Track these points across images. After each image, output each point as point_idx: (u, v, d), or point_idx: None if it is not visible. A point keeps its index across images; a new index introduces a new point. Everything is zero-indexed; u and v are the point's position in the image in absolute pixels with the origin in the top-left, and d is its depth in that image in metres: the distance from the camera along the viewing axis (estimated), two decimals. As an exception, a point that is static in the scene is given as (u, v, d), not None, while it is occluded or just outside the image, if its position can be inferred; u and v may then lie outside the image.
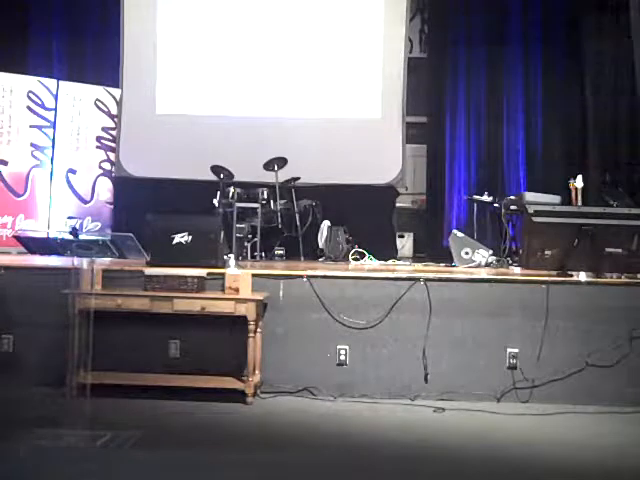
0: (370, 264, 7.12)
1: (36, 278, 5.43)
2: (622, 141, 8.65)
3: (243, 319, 5.04)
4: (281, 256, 7.57)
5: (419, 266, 7.03)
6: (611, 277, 5.45)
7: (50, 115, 8.25)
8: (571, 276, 5.49)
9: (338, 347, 5.36)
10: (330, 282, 5.43)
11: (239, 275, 5.25)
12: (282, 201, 7.66)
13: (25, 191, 8.06)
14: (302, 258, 7.48)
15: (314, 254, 7.62)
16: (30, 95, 8.11)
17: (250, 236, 7.35)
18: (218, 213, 7.32)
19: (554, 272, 5.47)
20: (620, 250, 5.42)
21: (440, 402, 5.16)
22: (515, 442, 4.37)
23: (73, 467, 3.70)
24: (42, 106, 8.19)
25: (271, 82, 8.58)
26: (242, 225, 7.32)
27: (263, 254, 7.41)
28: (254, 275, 5.33)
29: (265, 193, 7.55)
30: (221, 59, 8.64)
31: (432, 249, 8.71)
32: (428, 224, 9.28)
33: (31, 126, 8.12)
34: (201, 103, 8.64)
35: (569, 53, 8.94)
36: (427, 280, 5.37)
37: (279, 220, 7.59)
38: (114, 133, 8.66)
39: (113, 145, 8.65)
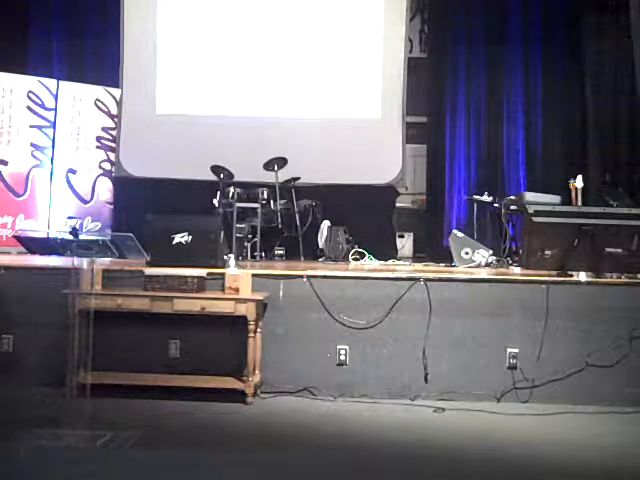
0: (370, 264, 7.11)
1: (36, 278, 5.42)
2: (622, 141, 8.64)
3: (243, 319, 5.04)
4: (281, 256, 7.57)
5: (419, 266, 7.03)
6: (611, 277, 5.45)
7: (50, 115, 8.24)
8: (571, 276, 5.48)
9: (338, 347, 5.36)
10: (330, 282, 5.43)
11: (239, 275, 5.25)
12: (282, 201, 7.65)
13: (25, 191, 8.06)
14: (302, 258, 7.48)
15: (314, 254, 7.61)
16: (30, 95, 8.11)
17: (250, 236, 7.34)
18: (218, 213, 7.31)
19: (554, 272, 5.47)
20: (620, 250, 5.43)
21: (440, 402, 5.16)
22: (515, 442, 4.36)
23: (73, 467, 3.69)
24: (42, 106, 8.19)
25: (271, 82, 8.58)
26: (242, 225, 7.31)
27: (263, 254, 7.40)
28: (254, 275, 5.33)
29: (265, 193, 7.55)
30: (221, 59, 8.64)
31: (432, 249, 8.70)
32: (428, 224, 9.28)
33: (31, 126, 8.12)
34: (201, 103, 8.64)
35: (569, 53, 8.94)
36: (427, 280, 5.37)
37: (279, 220, 7.58)
38: (114, 133, 8.66)
39: (113, 145, 8.65)
